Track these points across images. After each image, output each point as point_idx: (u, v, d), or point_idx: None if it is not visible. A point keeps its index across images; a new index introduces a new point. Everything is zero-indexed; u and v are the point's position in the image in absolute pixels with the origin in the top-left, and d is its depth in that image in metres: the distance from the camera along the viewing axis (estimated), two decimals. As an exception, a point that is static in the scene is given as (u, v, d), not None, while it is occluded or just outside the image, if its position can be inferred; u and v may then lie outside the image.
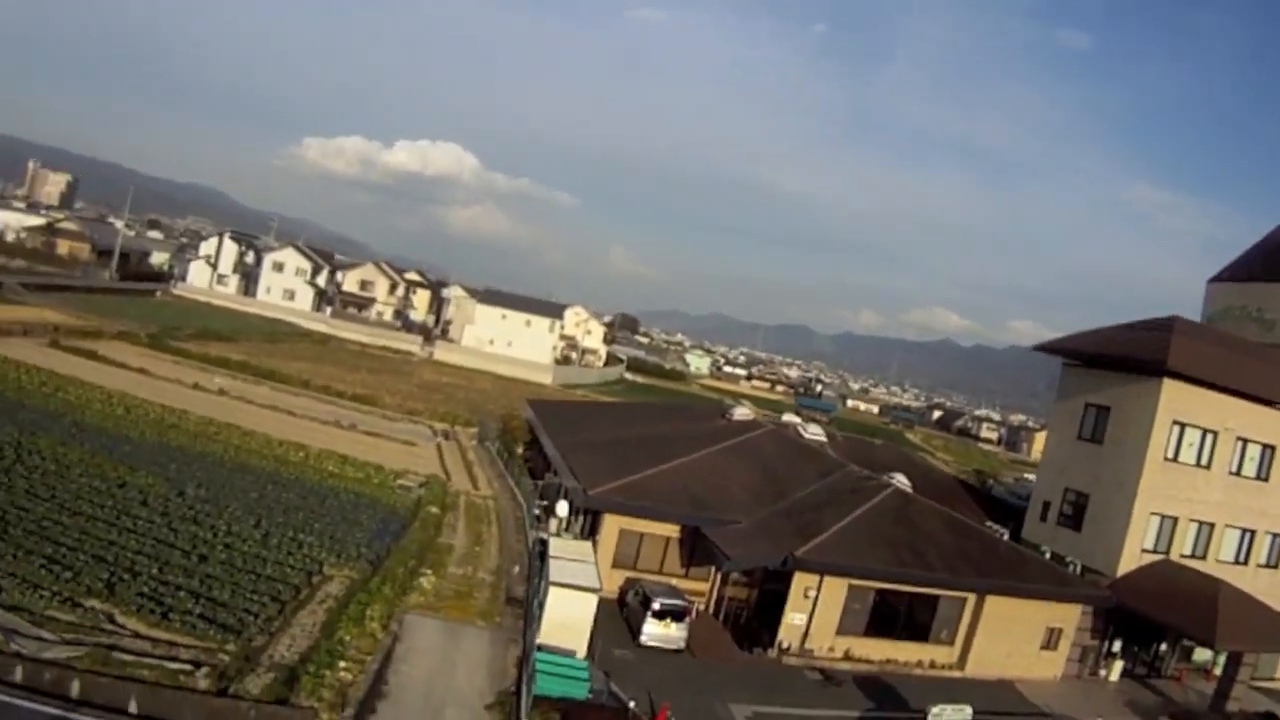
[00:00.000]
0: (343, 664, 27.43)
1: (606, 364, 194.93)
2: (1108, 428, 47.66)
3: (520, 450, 67.42)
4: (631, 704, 28.70)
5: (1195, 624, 41.29)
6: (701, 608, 40.94)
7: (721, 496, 43.97)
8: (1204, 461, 46.23)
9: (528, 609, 35.90)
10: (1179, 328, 47.33)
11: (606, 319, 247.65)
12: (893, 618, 40.79)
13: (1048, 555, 47.00)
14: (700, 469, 46.23)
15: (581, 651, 31.18)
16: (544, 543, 37.01)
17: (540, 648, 30.06)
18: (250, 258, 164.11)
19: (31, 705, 21.47)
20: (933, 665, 40.68)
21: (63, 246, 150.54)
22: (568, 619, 31.49)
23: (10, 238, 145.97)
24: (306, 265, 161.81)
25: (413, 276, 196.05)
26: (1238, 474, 47.20)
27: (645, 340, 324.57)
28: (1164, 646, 48.17)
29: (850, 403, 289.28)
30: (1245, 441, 47.01)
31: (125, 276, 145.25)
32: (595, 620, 32.06)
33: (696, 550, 41.99)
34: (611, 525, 42.03)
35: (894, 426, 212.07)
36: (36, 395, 54.19)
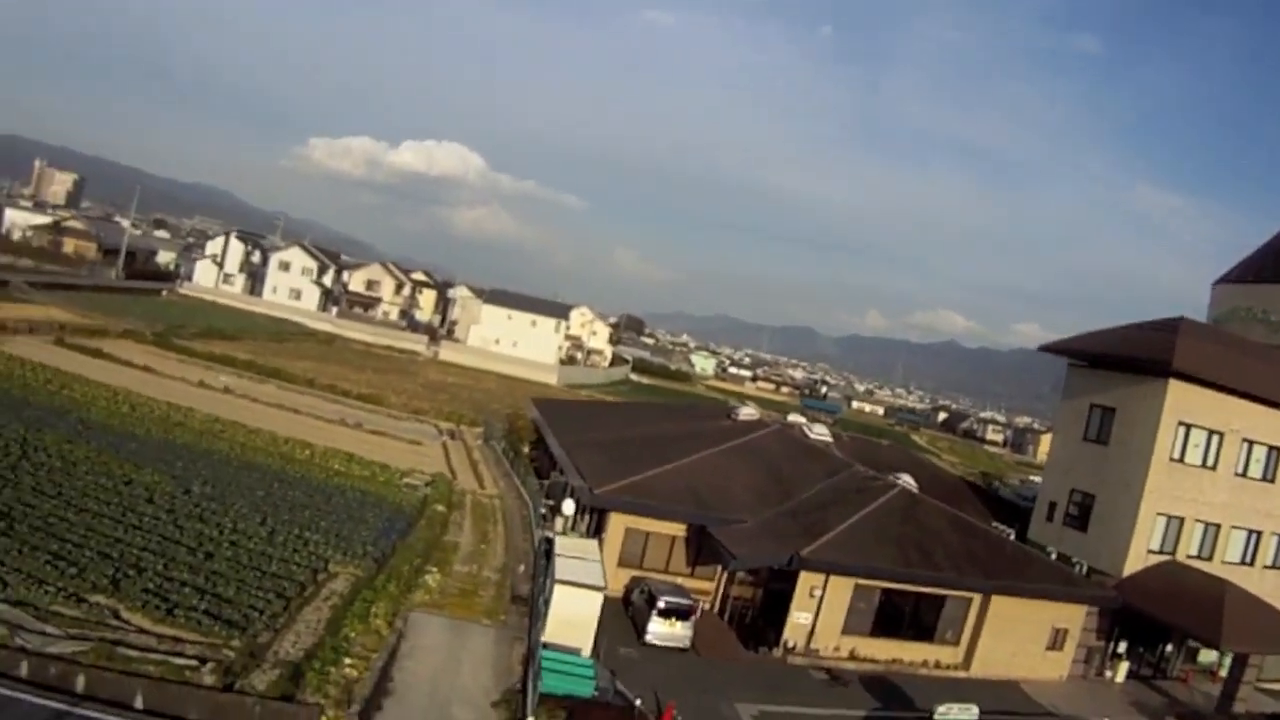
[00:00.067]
0: (348, 661, 27.41)
1: (612, 365, 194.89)
2: (1113, 429, 47.58)
3: (526, 450, 67.34)
4: (637, 702, 28.65)
5: (1201, 625, 41.19)
6: (707, 607, 40.92)
7: (727, 496, 43.91)
8: (1210, 462, 46.14)
9: (533, 607, 35.87)
10: (1184, 329, 47.27)
11: (612, 320, 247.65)
12: (898, 617, 40.74)
13: (1054, 556, 46.86)
14: (706, 468, 46.17)
15: (587, 650, 31.10)
16: (549, 541, 36.97)
17: (546, 646, 30.04)
18: (256, 257, 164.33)
19: (36, 700, 21.46)
20: (938, 665, 40.60)
21: (69, 245, 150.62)
22: (573, 617, 31.41)
23: (17, 236, 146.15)
24: (313, 265, 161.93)
25: (419, 277, 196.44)
26: (1244, 475, 47.11)
27: (650, 341, 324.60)
28: (1170, 647, 48.04)
29: (855, 404, 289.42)
30: (1251, 443, 46.92)
31: (131, 275, 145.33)
32: (601, 618, 31.98)
33: (702, 549, 41.95)
34: (617, 524, 41.99)
35: (899, 428, 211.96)
36: (42, 392, 54.23)
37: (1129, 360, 47.25)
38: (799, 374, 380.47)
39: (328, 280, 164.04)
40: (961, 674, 40.62)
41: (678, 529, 42.48)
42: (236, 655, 25.45)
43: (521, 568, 41.98)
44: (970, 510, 52.26)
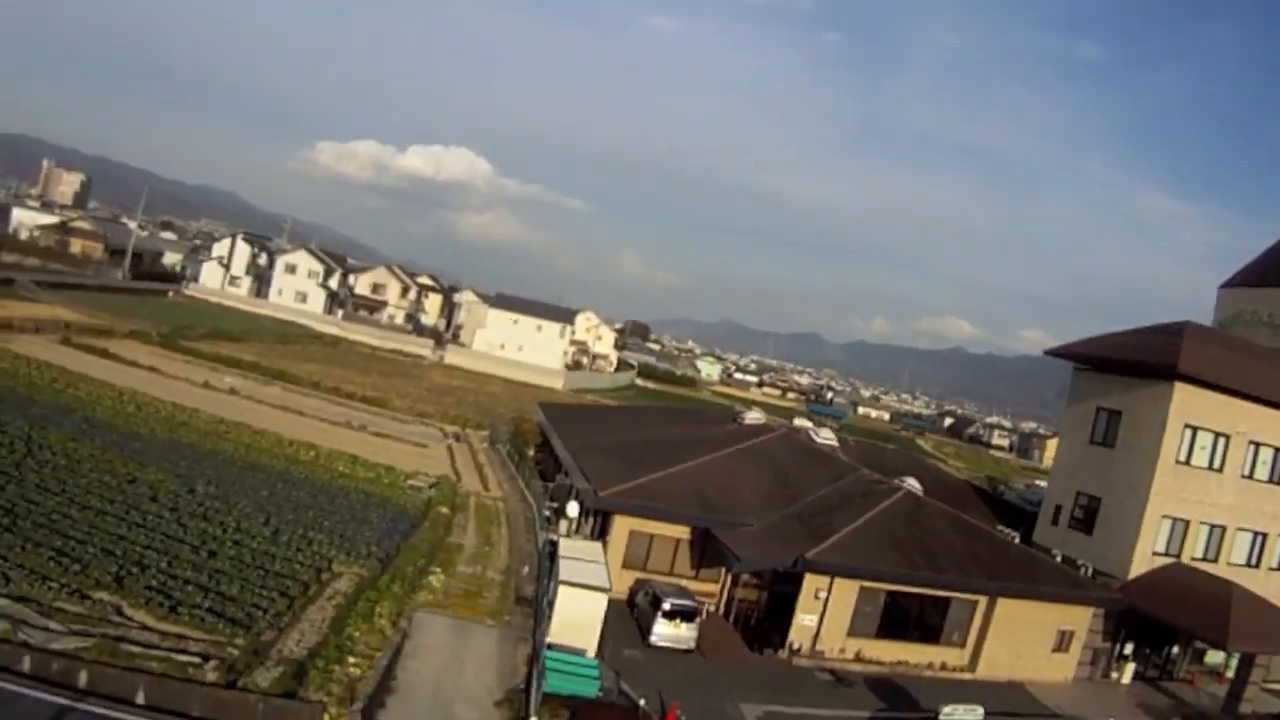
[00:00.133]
0: (352, 659, 27.38)
1: (617, 370, 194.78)
2: (1119, 432, 47.51)
3: (531, 453, 67.35)
4: (641, 703, 28.57)
5: (1207, 626, 41.05)
6: (711, 609, 40.85)
7: (732, 499, 43.83)
8: (1216, 465, 46.05)
9: (537, 608, 35.81)
10: (1190, 332, 47.24)
11: (618, 325, 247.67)
12: (904, 620, 40.66)
13: (1059, 558, 46.80)
14: (711, 472, 46.10)
15: (591, 651, 31.02)
16: (554, 543, 36.93)
17: (550, 646, 29.97)
18: (263, 260, 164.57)
19: (39, 695, 21.44)
20: (944, 667, 40.49)
21: (76, 245, 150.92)
22: (578, 618, 31.35)
23: (24, 235, 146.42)
24: (319, 268, 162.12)
25: (424, 280, 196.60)
26: (1250, 477, 46.99)
27: (656, 347, 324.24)
28: (1176, 649, 47.99)
29: (861, 410, 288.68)
30: (1257, 445, 46.82)
31: (138, 276, 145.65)
32: (605, 620, 31.93)
33: (707, 552, 41.87)
34: (622, 526, 41.91)
35: (905, 434, 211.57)
36: (48, 391, 54.32)
37: (1135, 364, 47.19)
38: (805, 380, 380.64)
39: (334, 283, 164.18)
40: (967, 676, 40.49)
41: (682, 531, 42.40)
42: (240, 653, 25.43)
43: (525, 569, 41.96)
44: (975, 514, 52.17)
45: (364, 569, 35.41)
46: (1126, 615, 43.80)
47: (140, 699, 22.27)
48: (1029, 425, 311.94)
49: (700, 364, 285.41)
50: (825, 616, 38.46)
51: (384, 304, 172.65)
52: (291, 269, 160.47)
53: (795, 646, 38.14)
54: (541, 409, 71.25)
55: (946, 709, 31.46)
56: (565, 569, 32.41)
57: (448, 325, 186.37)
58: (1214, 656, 48.50)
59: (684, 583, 40.77)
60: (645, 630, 36.50)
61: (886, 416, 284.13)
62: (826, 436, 65.53)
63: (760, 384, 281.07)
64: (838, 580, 38.36)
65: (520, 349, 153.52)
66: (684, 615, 36.26)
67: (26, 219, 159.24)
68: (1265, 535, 47.81)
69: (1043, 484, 74.79)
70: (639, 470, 44.30)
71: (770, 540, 40.16)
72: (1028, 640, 41.57)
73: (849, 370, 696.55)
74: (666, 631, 35.98)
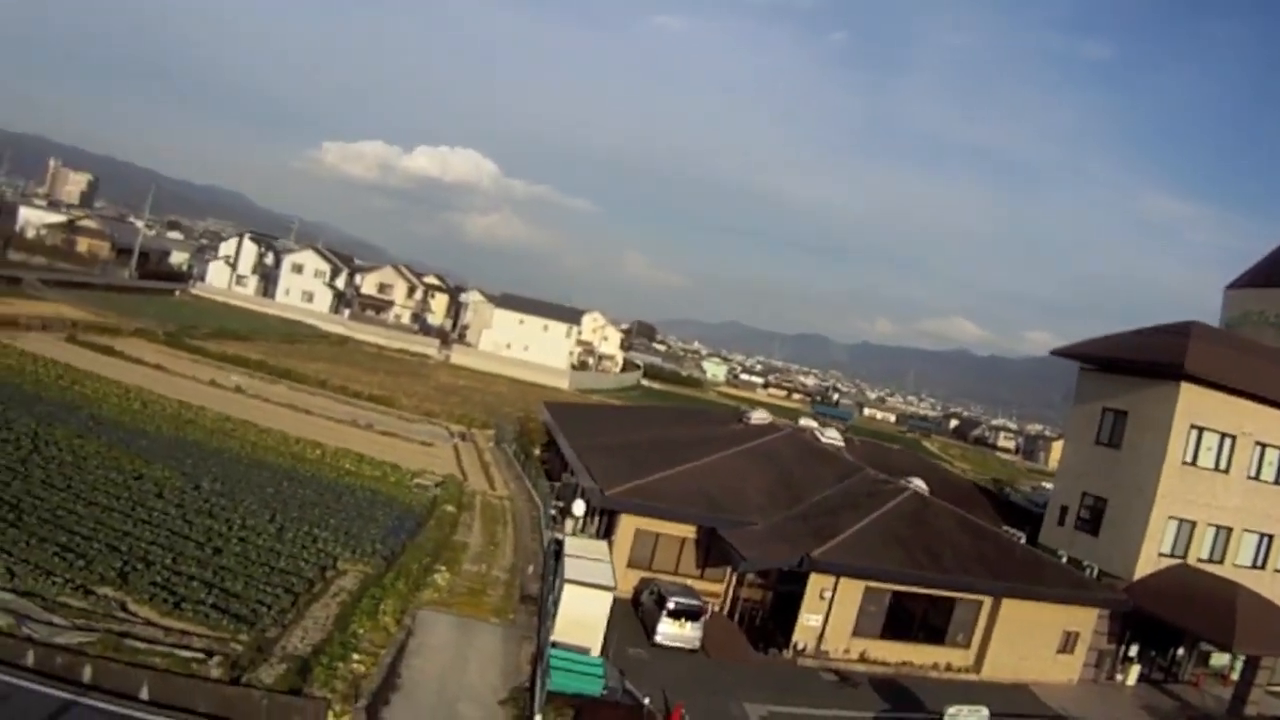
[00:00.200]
0: (356, 656, 27.38)
1: (623, 370, 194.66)
2: (1125, 432, 47.37)
3: (537, 452, 67.39)
4: (646, 702, 28.52)
5: (1213, 628, 40.87)
6: (716, 609, 40.80)
7: (738, 498, 43.79)
8: (1222, 466, 45.87)
9: (542, 606, 35.78)
10: (1196, 332, 47.12)
11: (623, 326, 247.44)
12: (909, 620, 40.53)
13: (1065, 559, 46.67)
14: (717, 471, 46.07)
15: (596, 649, 31.04)
16: (559, 542, 36.91)
17: (555, 644, 29.95)
18: (269, 259, 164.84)
19: (42, 689, 21.44)
20: (948, 668, 40.37)
21: (82, 244, 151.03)
22: (583, 616, 31.37)
23: (31, 234, 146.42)
24: (325, 267, 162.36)
25: (431, 280, 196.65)
26: (1256, 478, 46.76)
27: (662, 347, 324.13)
28: (1181, 651, 47.74)
29: (867, 411, 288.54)
30: (1264, 446, 46.59)
31: (144, 275, 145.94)
32: (610, 619, 31.93)
33: (712, 551, 41.84)
34: (627, 525, 41.90)
35: (911, 435, 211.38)
36: (54, 388, 54.45)
37: (1141, 364, 47.07)
38: (811, 381, 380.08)
39: (340, 283, 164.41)
40: (972, 677, 40.38)
41: (688, 531, 42.39)
42: (244, 649, 25.46)
43: (530, 568, 41.94)
44: (981, 514, 51.98)
45: (369, 566, 35.45)
46: (1132, 617, 43.63)
47: (144, 694, 22.27)
48: (1034, 427, 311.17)
49: (706, 365, 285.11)
50: (830, 616, 38.38)
51: (390, 304, 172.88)
52: (298, 268, 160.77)
53: (800, 646, 38.07)
54: (547, 408, 71.25)
55: (951, 710, 31.34)
56: (570, 567, 32.44)
57: (454, 325, 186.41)
58: (1219, 659, 48.26)
59: (689, 582, 40.72)
60: (650, 629, 36.47)
61: (892, 418, 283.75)
62: (832, 436, 65.58)
63: (766, 385, 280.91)
64: (843, 580, 38.28)
65: (526, 349, 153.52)
66: (689, 614, 36.22)
67: (33, 218, 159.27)
68: (1271, 537, 47.59)
69: (1048, 486, 74.75)
70: (645, 469, 44.27)
71: (775, 540, 40.11)
72: (1033, 641, 41.46)
73: (854, 371, 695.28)
74: (671, 631, 35.93)
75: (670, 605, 36.13)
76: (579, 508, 41.78)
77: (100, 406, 52.35)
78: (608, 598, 31.86)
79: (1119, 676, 44.88)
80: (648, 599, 38.30)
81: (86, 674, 22.24)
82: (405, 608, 32.56)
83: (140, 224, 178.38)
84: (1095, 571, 45.76)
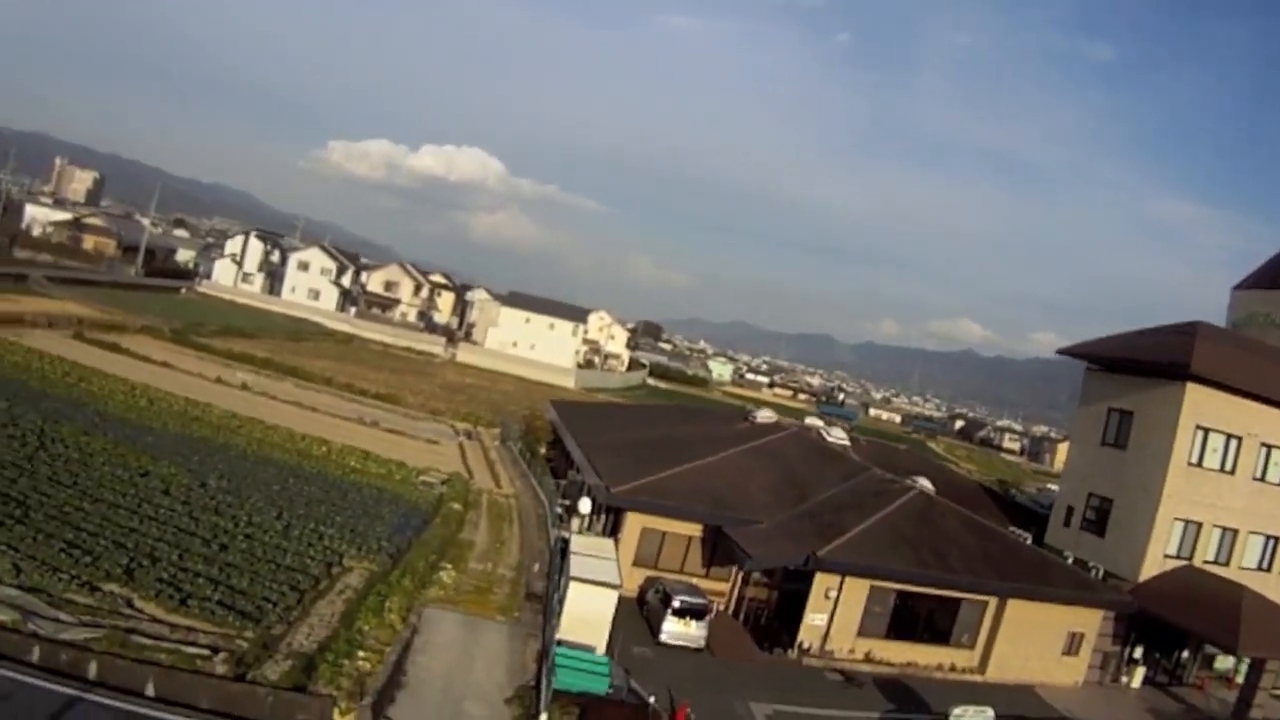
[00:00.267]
0: (361, 654, 27.36)
1: (629, 369, 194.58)
2: (1131, 433, 47.28)
3: (543, 450, 67.38)
4: (651, 701, 28.52)
5: (1218, 630, 40.78)
6: (721, 607, 40.78)
7: (743, 497, 43.78)
8: (1228, 467, 45.77)
9: (547, 604, 35.80)
10: (1202, 332, 47.06)
11: (629, 325, 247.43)
12: (914, 620, 40.49)
13: (1070, 560, 46.58)
14: (723, 470, 46.08)
15: (601, 647, 31.05)
16: (565, 541, 36.93)
17: (560, 643, 29.97)
18: (276, 257, 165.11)
19: (48, 685, 21.46)
20: (953, 669, 40.34)
21: (89, 242, 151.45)
22: (588, 615, 31.36)
23: (37, 232, 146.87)
24: (331, 265, 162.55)
25: (437, 279, 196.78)
26: (1262, 480, 46.67)
27: (668, 347, 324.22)
28: (1186, 653, 47.60)
29: (872, 412, 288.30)
30: (1270, 447, 46.51)
31: (151, 273, 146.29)
32: (616, 617, 31.93)
33: (718, 550, 41.88)
34: (634, 523, 41.93)
35: (916, 436, 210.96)
36: (60, 385, 54.53)
37: (1147, 364, 47.00)
38: (816, 381, 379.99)
39: (346, 281, 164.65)
40: (977, 678, 40.34)
41: (694, 529, 42.41)
42: (249, 646, 25.44)
43: (536, 566, 41.93)
44: (987, 515, 51.91)
45: (375, 564, 35.44)
46: (1137, 618, 43.55)
47: (150, 690, 22.29)
48: (1040, 429, 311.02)
49: (712, 364, 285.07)
50: (835, 616, 38.39)
51: (397, 302, 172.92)
52: (304, 266, 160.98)
53: (805, 646, 38.06)
54: (554, 407, 71.32)
55: (956, 711, 31.28)
56: (576, 565, 32.40)
57: (460, 323, 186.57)
58: (1224, 662, 48.16)
59: (694, 581, 40.71)
60: (655, 628, 36.51)
61: (897, 419, 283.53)
62: (838, 436, 65.47)
63: (771, 385, 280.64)
64: (848, 579, 38.26)
65: (532, 347, 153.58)
66: (694, 613, 36.24)
67: (40, 215, 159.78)
68: (1277, 539, 47.50)
69: (1053, 487, 74.56)
70: (651, 468, 44.30)
71: (781, 538, 40.10)
72: (1037, 642, 41.39)
73: (859, 371, 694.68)
74: (676, 629, 35.97)
75: (675, 604, 36.18)
76: (585, 505, 41.76)
77: (106, 403, 52.42)
78: (613, 596, 31.84)
79: (1124, 679, 44.82)
80: (653, 597, 38.30)
81: (92, 670, 22.27)
82: (411, 605, 32.55)
83: (146, 222, 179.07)
84: (1101, 573, 45.67)
